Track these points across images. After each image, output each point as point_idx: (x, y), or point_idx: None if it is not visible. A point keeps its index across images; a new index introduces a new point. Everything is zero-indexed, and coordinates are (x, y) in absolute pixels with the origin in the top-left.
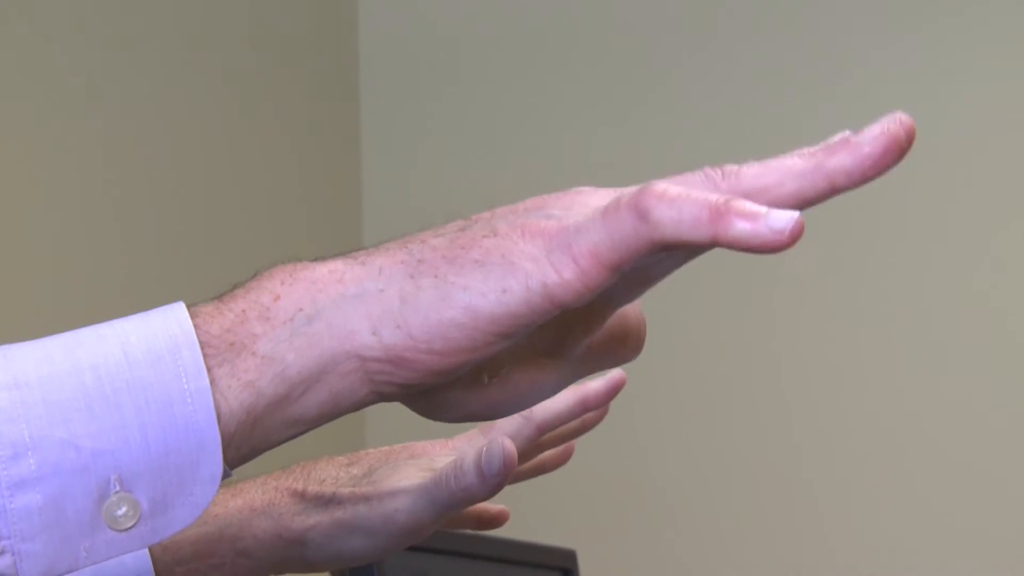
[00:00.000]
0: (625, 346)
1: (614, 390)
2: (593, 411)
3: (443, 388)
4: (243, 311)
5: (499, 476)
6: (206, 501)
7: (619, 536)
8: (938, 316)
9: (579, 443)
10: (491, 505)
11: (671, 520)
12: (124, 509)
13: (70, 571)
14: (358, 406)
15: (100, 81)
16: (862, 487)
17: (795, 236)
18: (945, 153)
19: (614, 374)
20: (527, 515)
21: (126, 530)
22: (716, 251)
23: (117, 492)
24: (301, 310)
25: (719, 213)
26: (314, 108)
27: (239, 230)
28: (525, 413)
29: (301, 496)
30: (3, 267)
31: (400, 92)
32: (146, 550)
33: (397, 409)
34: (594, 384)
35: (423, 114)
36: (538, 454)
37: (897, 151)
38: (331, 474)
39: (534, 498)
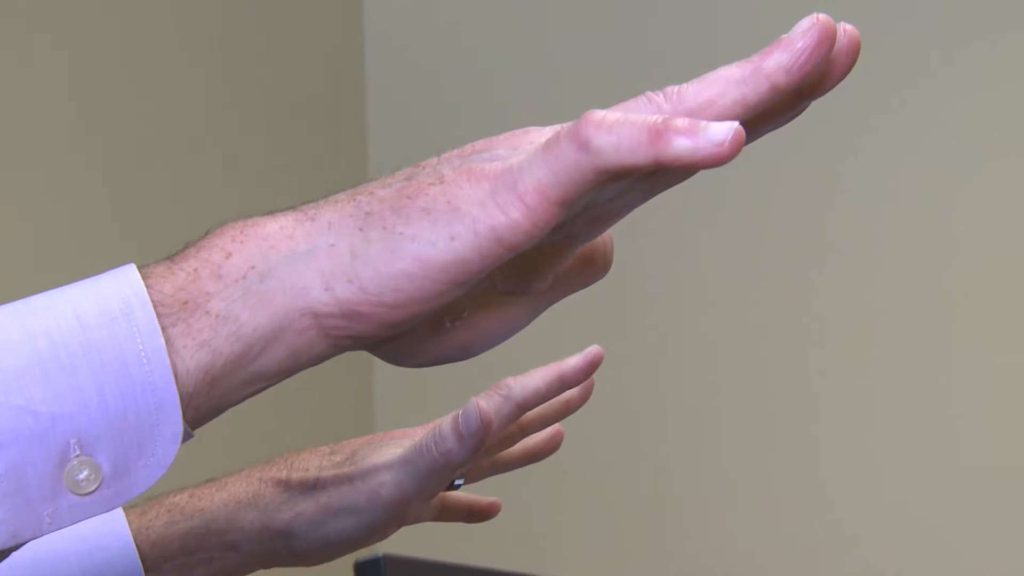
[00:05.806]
0: (594, 266)
1: (591, 366)
2: (574, 390)
3: (405, 335)
4: (195, 270)
5: (477, 435)
6: (168, 462)
7: (629, 568)
8: (944, 317)
9: (592, 475)
10: (481, 497)
11: (683, 548)
12: (86, 473)
13: (34, 537)
14: (317, 360)
15: (110, 87)
16: (881, 497)
17: (736, 146)
18: (966, 158)
19: (591, 350)
20: (538, 548)
21: (89, 494)
22: (714, 267)
23: (78, 456)
24: (253, 268)
25: (657, 133)
26: (320, 124)
27: None
28: (504, 392)
29: (285, 485)
30: (6, 262)
31: (407, 102)
32: (134, 546)
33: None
34: (571, 360)
35: (430, 128)
36: (522, 438)
37: (829, 41)
38: (314, 463)
39: (549, 531)
